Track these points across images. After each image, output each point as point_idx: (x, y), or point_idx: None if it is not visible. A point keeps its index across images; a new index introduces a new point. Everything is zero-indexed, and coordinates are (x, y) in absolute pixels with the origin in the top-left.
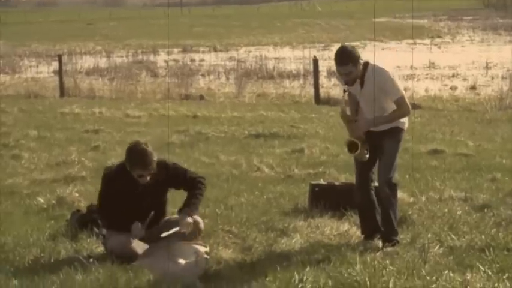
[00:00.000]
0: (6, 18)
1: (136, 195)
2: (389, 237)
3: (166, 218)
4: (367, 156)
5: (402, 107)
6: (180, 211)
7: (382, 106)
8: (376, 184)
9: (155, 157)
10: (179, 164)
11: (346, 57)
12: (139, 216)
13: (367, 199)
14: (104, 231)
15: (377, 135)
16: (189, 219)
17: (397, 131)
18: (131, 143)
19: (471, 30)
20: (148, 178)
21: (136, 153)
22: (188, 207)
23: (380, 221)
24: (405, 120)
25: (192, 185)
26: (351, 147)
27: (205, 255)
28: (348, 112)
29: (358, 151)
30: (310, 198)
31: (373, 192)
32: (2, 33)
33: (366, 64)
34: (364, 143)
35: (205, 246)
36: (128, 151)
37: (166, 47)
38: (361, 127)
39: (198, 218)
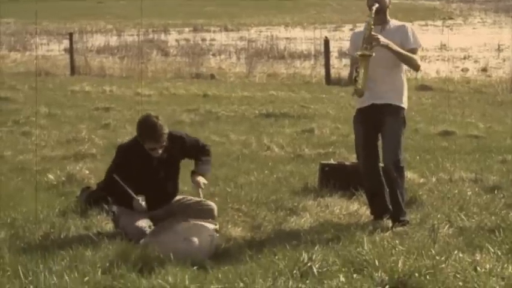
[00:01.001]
0: None
1: (152, 168)
2: (398, 218)
3: (180, 197)
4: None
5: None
6: (193, 173)
7: (397, 61)
8: (381, 164)
9: (166, 130)
10: (188, 133)
11: None
12: (154, 189)
13: (376, 181)
14: (114, 207)
15: (379, 110)
16: (201, 179)
17: (399, 109)
18: (142, 115)
19: (483, 12)
20: (160, 151)
21: (147, 126)
22: (201, 170)
23: (389, 200)
24: (405, 98)
25: (203, 152)
26: (364, 55)
27: (216, 234)
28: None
29: (368, 59)
30: (320, 177)
31: (380, 173)
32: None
33: (390, 19)
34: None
35: (215, 224)
36: (138, 124)
37: (177, 26)
38: (375, 38)
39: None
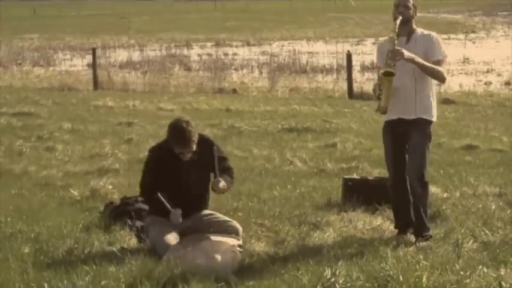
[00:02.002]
0: (40, 12)
1: (183, 169)
2: (421, 232)
3: (209, 212)
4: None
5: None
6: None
7: (420, 74)
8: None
9: (195, 136)
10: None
11: None
12: (185, 192)
13: (403, 195)
14: (138, 223)
15: (406, 123)
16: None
17: (426, 123)
18: (174, 119)
19: (506, 26)
20: (188, 155)
21: (175, 131)
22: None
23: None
24: (434, 111)
25: (228, 171)
26: (387, 73)
27: (239, 249)
28: (396, 42)
29: (393, 77)
30: (343, 192)
31: (408, 187)
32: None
33: (415, 29)
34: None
35: (239, 240)
36: (168, 127)
37: (199, 41)
38: (402, 52)
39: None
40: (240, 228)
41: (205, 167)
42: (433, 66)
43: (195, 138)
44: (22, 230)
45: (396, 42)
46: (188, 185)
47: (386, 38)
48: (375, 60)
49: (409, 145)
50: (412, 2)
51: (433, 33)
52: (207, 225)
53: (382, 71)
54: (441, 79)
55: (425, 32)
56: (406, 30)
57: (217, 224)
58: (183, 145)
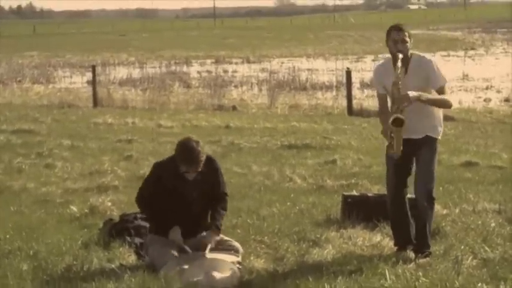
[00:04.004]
0: (40, 30)
1: (184, 190)
2: (422, 249)
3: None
4: (401, 149)
5: (445, 95)
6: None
7: (427, 91)
8: (409, 196)
9: (203, 156)
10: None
11: (403, 26)
12: (186, 211)
13: (401, 211)
14: (137, 239)
15: (413, 143)
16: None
17: (433, 141)
18: (184, 137)
19: (505, 43)
20: (193, 175)
21: (185, 150)
22: (216, 227)
23: (413, 232)
24: (441, 130)
25: (222, 200)
26: (397, 121)
27: (238, 266)
28: (400, 86)
29: (403, 127)
30: (342, 209)
31: (407, 205)
32: (36, 44)
33: (411, 54)
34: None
35: (238, 256)
36: (178, 145)
37: (199, 58)
38: (408, 97)
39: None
40: (241, 249)
41: (207, 187)
42: (439, 98)
43: (203, 159)
44: (21, 247)
45: (401, 86)
46: (189, 203)
47: (383, 60)
48: (372, 82)
49: (418, 162)
50: (408, 33)
51: (430, 58)
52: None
53: (391, 120)
54: (448, 106)
55: (421, 55)
56: (403, 61)
57: (217, 242)
58: (191, 164)
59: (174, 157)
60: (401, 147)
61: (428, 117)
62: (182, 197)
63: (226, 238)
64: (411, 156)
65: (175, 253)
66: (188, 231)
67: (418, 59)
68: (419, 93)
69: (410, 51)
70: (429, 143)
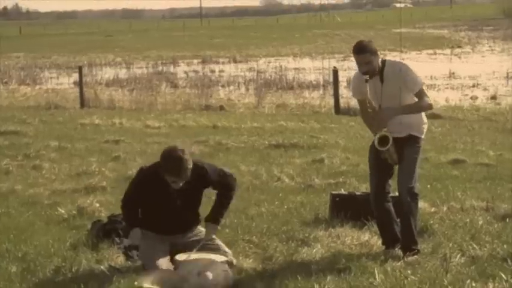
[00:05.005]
0: (26, 31)
1: (169, 196)
2: (409, 247)
3: (201, 230)
4: (395, 156)
5: (424, 99)
6: (207, 220)
7: (405, 102)
8: (394, 194)
9: (190, 165)
10: (212, 164)
11: (364, 47)
12: (170, 216)
13: (384, 210)
14: (126, 241)
15: (397, 142)
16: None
17: (417, 139)
18: (168, 147)
19: (491, 40)
20: (181, 184)
21: (171, 160)
22: (215, 222)
23: (399, 230)
24: (425, 127)
25: (226, 186)
26: (383, 141)
27: (229, 267)
28: (372, 104)
29: (389, 145)
30: (330, 208)
31: (390, 203)
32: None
33: (384, 61)
34: (391, 144)
35: (227, 257)
36: (163, 156)
37: (186, 58)
38: (386, 116)
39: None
40: (230, 254)
41: (194, 194)
42: (418, 105)
43: (190, 167)
44: (9, 249)
45: (376, 106)
46: (174, 210)
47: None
48: (352, 91)
49: (401, 160)
50: (369, 53)
51: (401, 64)
52: (196, 242)
53: (376, 140)
54: (428, 109)
55: (393, 61)
56: (376, 72)
57: (206, 246)
58: (179, 174)
59: (158, 166)
60: (396, 156)
61: (411, 116)
62: (167, 204)
63: (217, 240)
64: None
65: (167, 256)
66: (172, 229)
67: (392, 66)
68: (396, 108)
69: (382, 59)
70: (412, 141)
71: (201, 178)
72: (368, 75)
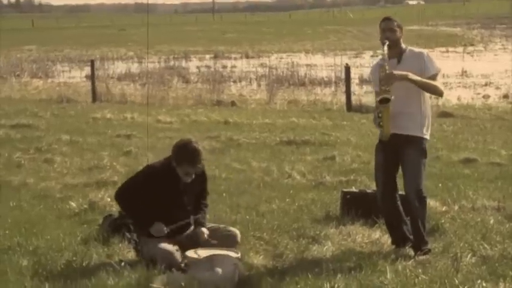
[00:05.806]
0: (39, 24)
1: (177, 192)
2: (420, 247)
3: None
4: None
5: (437, 83)
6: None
7: (414, 87)
8: (402, 192)
9: (204, 156)
10: None
11: (392, 18)
12: (177, 213)
13: (392, 208)
14: (135, 236)
15: (400, 140)
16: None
17: (420, 140)
18: (182, 139)
19: (504, 39)
20: (193, 176)
21: (188, 151)
22: (202, 225)
23: (408, 229)
24: (427, 130)
25: (205, 201)
26: (383, 101)
27: (239, 263)
28: (387, 66)
29: (389, 104)
30: (341, 205)
31: (398, 202)
32: (35, 38)
33: (406, 47)
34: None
35: (237, 253)
36: (178, 148)
37: (198, 53)
38: (398, 74)
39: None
40: (238, 233)
41: (196, 192)
42: (428, 81)
43: (204, 158)
44: (20, 243)
45: (387, 67)
46: (180, 206)
47: (381, 57)
48: (370, 78)
49: (405, 162)
50: (396, 23)
51: (423, 50)
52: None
53: (378, 99)
54: (438, 93)
55: (415, 49)
56: (396, 52)
57: (213, 232)
58: (194, 164)
59: (167, 161)
60: (390, 131)
61: (411, 115)
62: (176, 199)
63: (222, 225)
64: (396, 153)
65: (173, 245)
66: (178, 227)
67: (412, 52)
68: (407, 72)
69: (404, 46)
70: (415, 142)
71: (202, 174)
72: (388, 42)
